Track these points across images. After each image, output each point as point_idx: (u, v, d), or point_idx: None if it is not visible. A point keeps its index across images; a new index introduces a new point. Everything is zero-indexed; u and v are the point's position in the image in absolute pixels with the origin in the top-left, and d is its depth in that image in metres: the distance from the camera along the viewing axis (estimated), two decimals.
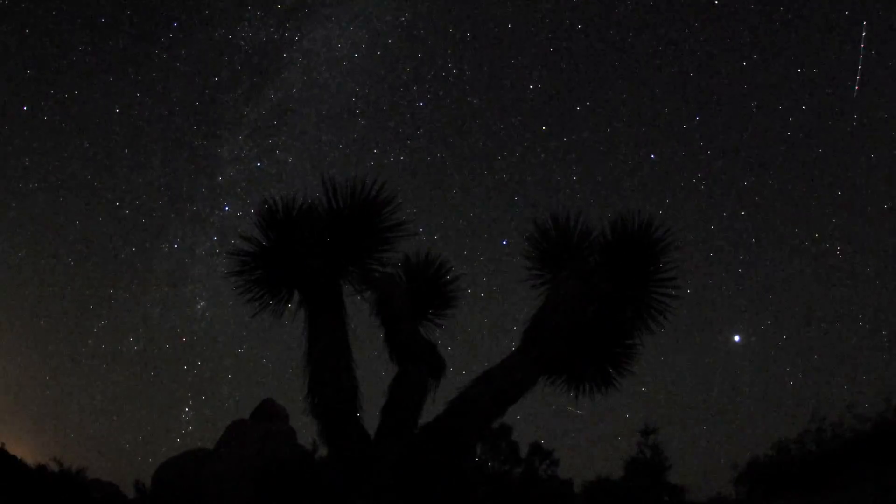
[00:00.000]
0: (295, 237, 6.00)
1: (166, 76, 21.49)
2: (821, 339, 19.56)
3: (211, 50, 21.51)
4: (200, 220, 21.84)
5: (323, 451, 11.80)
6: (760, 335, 19.84)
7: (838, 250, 19.20)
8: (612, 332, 6.18)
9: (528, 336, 5.75)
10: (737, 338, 19.89)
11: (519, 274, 6.60)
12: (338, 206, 6.04)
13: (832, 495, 9.56)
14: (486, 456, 14.06)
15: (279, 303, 6.25)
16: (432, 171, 22.03)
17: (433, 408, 5.78)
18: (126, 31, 21.24)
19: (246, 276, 6.20)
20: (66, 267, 22.80)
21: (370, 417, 5.73)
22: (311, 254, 5.93)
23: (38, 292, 23.21)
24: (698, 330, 20.52)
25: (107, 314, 23.15)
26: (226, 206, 21.41)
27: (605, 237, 6.18)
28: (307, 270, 5.91)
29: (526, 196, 21.45)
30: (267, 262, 6.13)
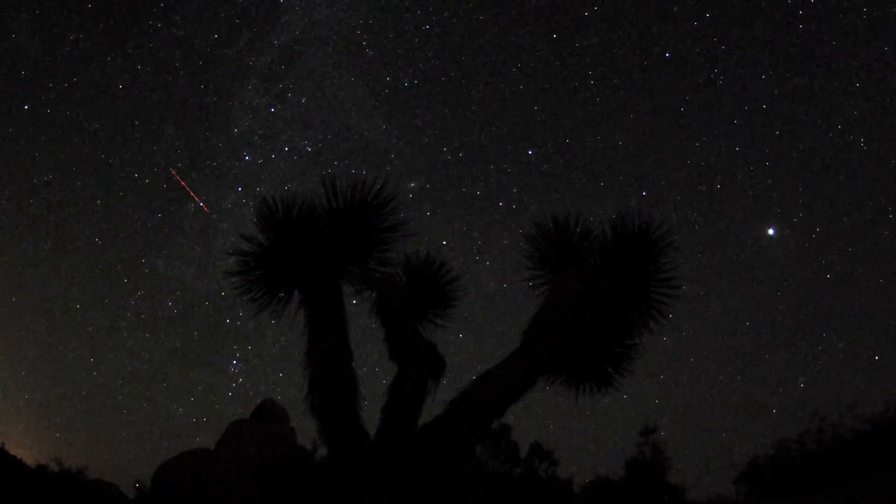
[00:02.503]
0: (295, 237, 6.00)
1: (165, 44, 21.57)
2: (851, 230, 19.55)
3: (205, 9, 21.57)
4: (222, 174, 22.00)
5: (323, 451, 11.81)
6: (794, 228, 19.83)
7: (861, 142, 19.15)
8: (612, 332, 6.18)
9: (528, 336, 5.75)
10: (771, 231, 19.86)
11: (520, 273, 6.61)
12: (338, 206, 6.04)
13: (832, 495, 9.56)
14: (486, 456, 14.06)
15: (279, 303, 6.25)
16: (448, 91, 22.10)
17: (433, 408, 5.79)
18: (115, 9, 21.33)
19: (246, 276, 6.20)
20: (93, 248, 22.99)
21: (370, 417, 5.74)
22: (311, 254, 5.93)
23: (69, 279, 23.41)
24: (732, 225, 20.58)
25: (142, 284, 23.40)
26: (245, 156, 21.52)
27: (605, 237, 6.18)
28: (307, 270, 5.91)
29: (544, 107, 21.34)
30: (267, 262, 6.13)
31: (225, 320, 21.81)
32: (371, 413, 5.75)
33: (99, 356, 23.80)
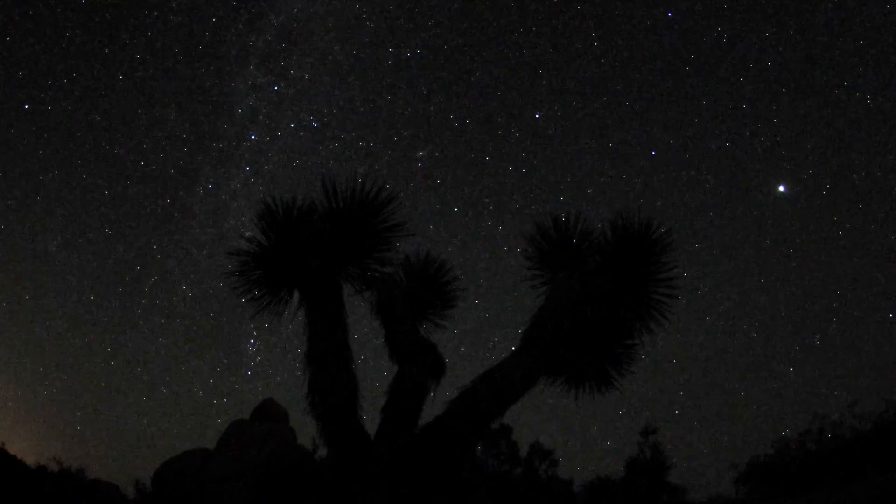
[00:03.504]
0: (295, 237, 6.00)
1: (163, 31, 21.67)
2: (861, 186, 19.61)
3: None
4: (229, 155, 22.15)
5: (323, 451, 11.80)
6: (803, 185, 19.92)
7: (868, 98, 19.20)
8: (612, 332, 6.18)
9: (528, 336, 5.75)
10: (781, 188, 19.95)
11: (520, 273, 6.61)
12: (338, 206, 6.04)
13: (832, 495, 9.56)
14: (486, 456, 14.07)
15: (279, 303, 6.25)
16: (451, 59, 22.16)
17: (433, 408, 5.79)
18: (109, 1, 21.40)
19: (246, 276, 6.20)
20: (105, 238, 23.09)
21: (370, 417, 5.73)
22: (311, 254, 5.93)
23: (81, 272, 23.50)
24: (743, 183, 20.66)
25: (155, 271, 23.52)
26: (251, 135, 21.70)
27: (605, 237, 6.18)
28: (307, 270, 5.91)
29: (548, 71, 21.36)
30: (267, 262, 6.13)
31: (241, 300, 21.83)
32: (371, 413, 5.76)
33: (115, 346, 23.87)
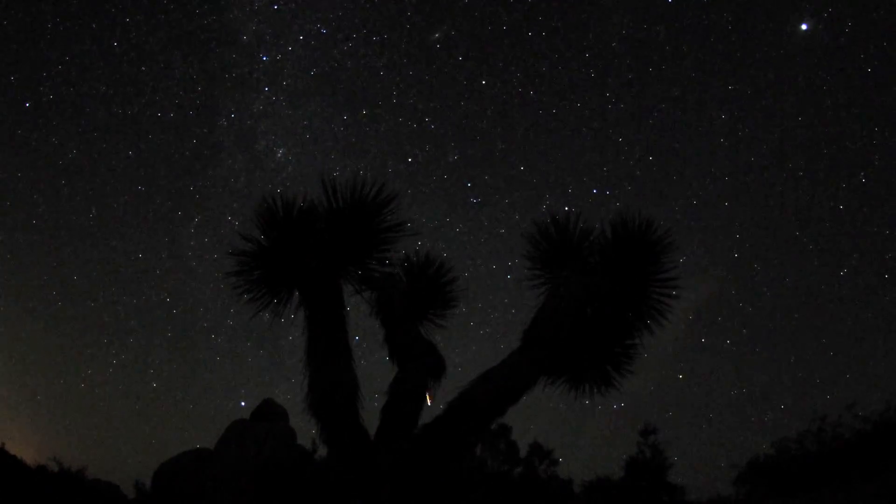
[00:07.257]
0: (295, 237, 6.00)
1: None
2: (884, 21, 19.25)
3: None
4: (244, 81, 22.16)
5: (323, 451, 11.79)
6: (826, 22, 19.71)
7: None
8: (612, 332, 6.19)
9: (528, 336, 5.75)
10: (804, 26, 19.76)
11: (520, 273, 6.61)
12: (338, 206, 6.04)
13: (832, 495, 9.56)
14: (486, 456, 14.07)
15: (279, 303, 6.24)
16: None
17: (433, 408, 5.79)
18: None
19: (245, 276, 6.20)
20: (139, 196, 23.03)
21: (370, 417, 5.73)
22: (311, 254, 5.93)
23: (124, 234, 23.44)
24: (764, 22, 20.40)
25: (197, 212, 23.42)
26: (263, 56, 21.71)
27: (605, 237, 6.19)
28: (307, 270, 5.91)
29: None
30: (266, 262, 6.13)
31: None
32: (371, 413, 5.76)
33: (173, 297, 23.73)
